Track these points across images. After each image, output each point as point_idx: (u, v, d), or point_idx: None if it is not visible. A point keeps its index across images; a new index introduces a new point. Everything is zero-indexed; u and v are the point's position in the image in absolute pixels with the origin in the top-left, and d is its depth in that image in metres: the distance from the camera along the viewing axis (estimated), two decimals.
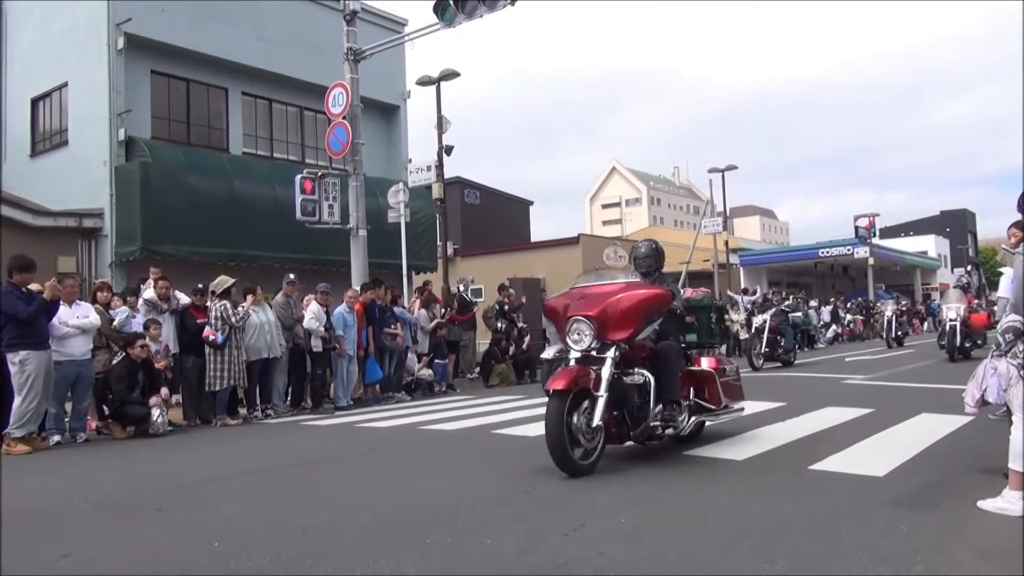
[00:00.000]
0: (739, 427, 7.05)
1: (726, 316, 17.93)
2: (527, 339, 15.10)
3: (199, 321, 9.41)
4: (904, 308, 29.69)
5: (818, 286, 42.61)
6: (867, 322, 30.83)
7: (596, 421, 5.04)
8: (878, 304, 30.95)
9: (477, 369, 14.95)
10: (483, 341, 15.46)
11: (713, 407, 6.01)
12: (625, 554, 3.40)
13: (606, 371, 5.13)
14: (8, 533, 4.04)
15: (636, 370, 5.47)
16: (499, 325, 14.85)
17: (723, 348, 20.58)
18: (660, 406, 5.47)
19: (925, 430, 6.55)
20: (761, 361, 15.22)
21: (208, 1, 16.41)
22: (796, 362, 15.97)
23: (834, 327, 27.39)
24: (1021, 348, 4.21)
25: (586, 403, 5.09)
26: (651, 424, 5.43)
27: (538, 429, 7.41)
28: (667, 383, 5.52)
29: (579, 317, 5.24)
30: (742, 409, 6.60)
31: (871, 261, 38.18)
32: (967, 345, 14.89)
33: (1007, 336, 4.29)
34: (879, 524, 3.75)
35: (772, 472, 5.13)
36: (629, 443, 5.68)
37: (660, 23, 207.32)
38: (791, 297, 17.82)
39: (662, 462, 5.61)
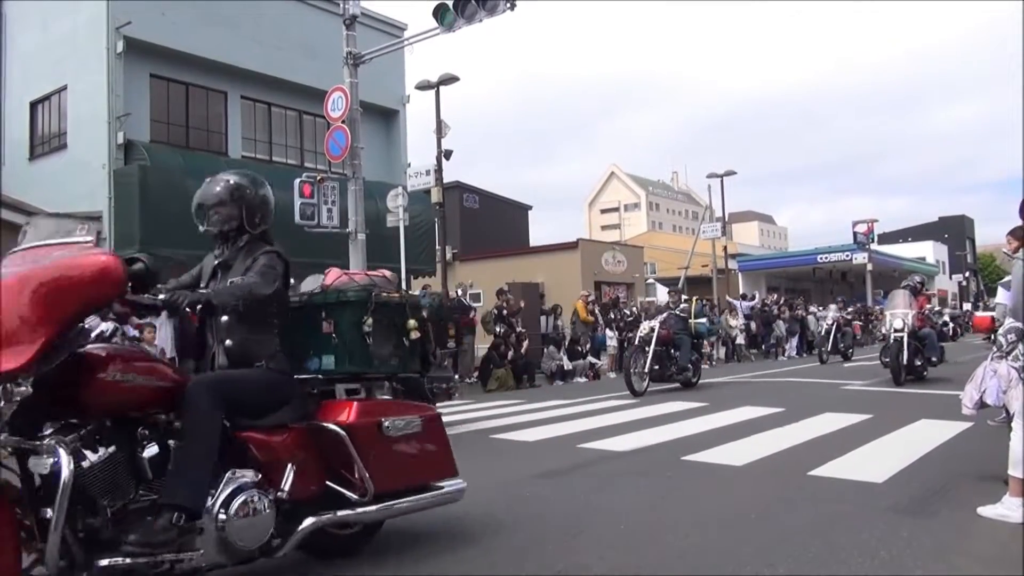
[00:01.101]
0: (738, 433, 7.04)
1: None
2: (526, 344, 15.08)
3: (197, 325, 9.37)
4: (851, 315, 25.07)
5: (817, 292, 42.63)
6: (865, 328, 30.83)
7: None
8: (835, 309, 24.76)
9: (476, 373, 14.93)
10: (482, 345, 15.44)
11: (355, 496, 3.27)
12: (624, 560, 3.39)
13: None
14: None
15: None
16: (498, 329, 14.83)
17: (722, 353, 20.81)
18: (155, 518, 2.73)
19: (924, 436, 6.54)
20: (645, 382, 11.37)
21: (208, 4, 16.42)
22: (699, 381, 12.35)
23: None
24: (1022, 350, 4.21)
25: None
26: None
27: (537, 434, 7.44)
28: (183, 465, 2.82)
29: None
30: (444, 492, 3.64)
31: (869, 267, 38.23)
32: (918, 363, 11.53)
33: (1009, 337, 4.28)
34: (879, 530, 3.74)
35: (771, 478, 5.12)
36: (626, 447, 5.66)
37: (659, 28, 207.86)
38: (695, 299, 13.64)
39: (661, 468, 5.59)
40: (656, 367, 11.56)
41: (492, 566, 3.35)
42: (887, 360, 11.83)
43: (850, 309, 31.11)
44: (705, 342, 15.57)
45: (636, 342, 12.20)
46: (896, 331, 11.44)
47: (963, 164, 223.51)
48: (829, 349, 18.62)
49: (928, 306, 12.03)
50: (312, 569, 3.36)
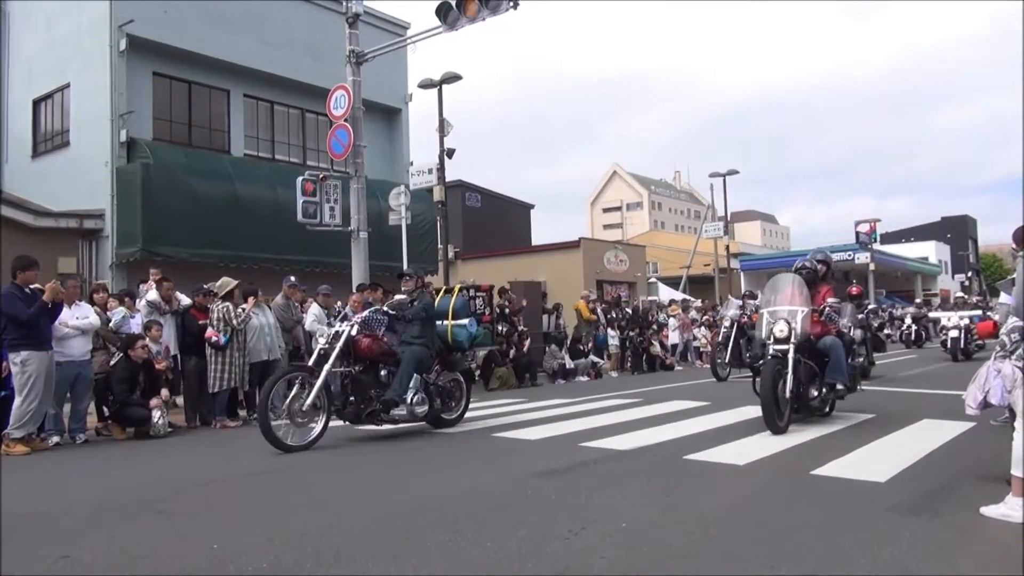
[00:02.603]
0: (740, 432, 7.03)
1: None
2: (528, 342, 15.06)
3: (200, 323, 9.39)
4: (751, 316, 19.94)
5: None
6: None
7: None
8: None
9: (477, 372, 14.91)
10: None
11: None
12: (626, 558, 3.38)
13: None
14: (7, 534, 4.02)
15: None
16: (500, 328, 14.82)
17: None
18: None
19: (927, 436, 6.53)
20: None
21: (210, 2, 16.43)
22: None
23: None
24: None
25: None
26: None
27: (539, 432, 7.43)
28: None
29: None
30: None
31: (872, 267, 38.19)
32: (813, 394, 7.22)
33: (1013, 336, 4.26)
34: (881, 530, 3.73)
35: (774, 477, 5.12)
36: (628, 446, 5.65)
37: (661, 28, 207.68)
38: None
39: (663, 467, 5.59)
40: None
41: (494, 564, 3.34)
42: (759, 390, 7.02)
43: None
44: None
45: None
46: (776, 344, 6.95)
47: (966, 165, 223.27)
48: (728, 360, 13.67)
49: (832, 301, 7.55)
50: (311, 571, 3.36)
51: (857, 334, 10.01)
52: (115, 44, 15.27)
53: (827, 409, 7.74)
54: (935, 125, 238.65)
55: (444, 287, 11.45)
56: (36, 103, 17.39)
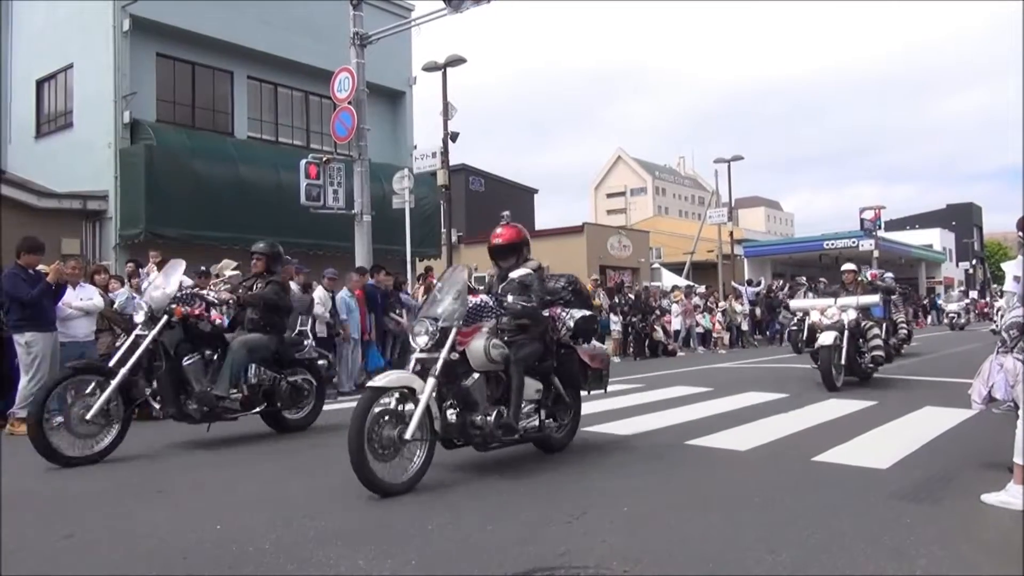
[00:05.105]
0: (742, 418, 7.04)
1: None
2: None
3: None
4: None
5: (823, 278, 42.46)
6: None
7: None
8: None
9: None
10: None
11: None
12: (627, 543, 3.40)
13: None
14: (10, 513, 4.04)
15: None
16: None
17: (726, 338, 20.75)
18: None
19: (928, 423, 6.54)
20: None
21: None
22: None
23: None
24: None
25: None
26: None
27: None
28: None
29: None
30: None
31: (876, 254, 38.02)
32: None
33: (1012, 332, 4.27)
34: (882, 516, 3.74)
35: (775, 463, 5.13)
36: (630, 431, 5.65)
37: (669, 13, 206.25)
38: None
39: (664, 451, 5.60)
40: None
41: (495, 548, 3.36)
42: None
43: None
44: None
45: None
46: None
47: (972, 152, 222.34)
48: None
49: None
50: (313, 552, 3.37)
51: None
52: (118, 24, 15.19)
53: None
54: (941, 112, 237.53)
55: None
56: (39, 83, 17.33)
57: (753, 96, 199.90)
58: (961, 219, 66.35)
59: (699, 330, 19.65)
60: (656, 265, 32.04)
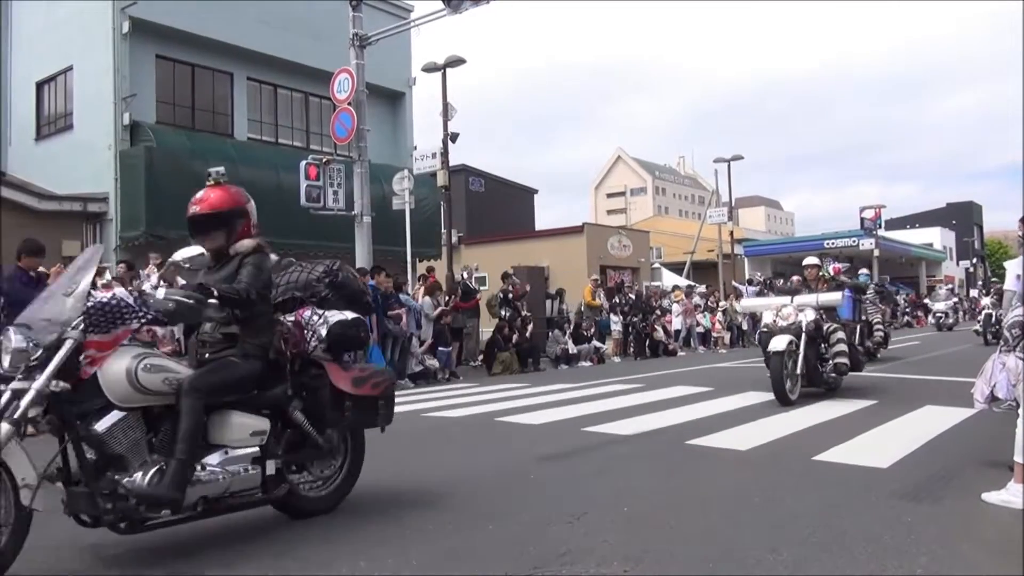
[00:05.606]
0: (742, 418, 7.04)
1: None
2: (530, 327, 15.08)
3: None
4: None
5: None
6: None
7: None
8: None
9: (480, 357, 14.95)
10: (486, 329, 15.45)
11: None
12: (628, 543, 3.40)
13: None
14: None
15: None
16: (503, 313, 14.83)
17: (727, 338, 20.78)
18: None
19: (929, 422, 6.53)
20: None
21: None
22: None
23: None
24: None
25: None
26: None
27: (542, 417, 7.45)
28: None
29: None
30: None
31: (876, 253, 38.07)
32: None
33: (1014, 331, 4.27)
34: (883, 516, 3.74)
35: (775, 463, 5.12)
36: (631, 431, 5.67)
37: (668, 11, 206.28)
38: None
39: (665, 452, 5.60)
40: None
41: (496, 548, 3.36)
42: None
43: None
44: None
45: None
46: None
47: (971, 151, 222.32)
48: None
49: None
50: (312, 553, 3.38)
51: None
52: (118, 26, 15.21)
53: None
54: (943, 110, 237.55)
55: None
56: (39, 85, 17.35)
57: (753, 93, 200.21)
58: (961, 218, 66.29)
59: (699, 330, 19.66)
60: (656, 265, 32.02)
